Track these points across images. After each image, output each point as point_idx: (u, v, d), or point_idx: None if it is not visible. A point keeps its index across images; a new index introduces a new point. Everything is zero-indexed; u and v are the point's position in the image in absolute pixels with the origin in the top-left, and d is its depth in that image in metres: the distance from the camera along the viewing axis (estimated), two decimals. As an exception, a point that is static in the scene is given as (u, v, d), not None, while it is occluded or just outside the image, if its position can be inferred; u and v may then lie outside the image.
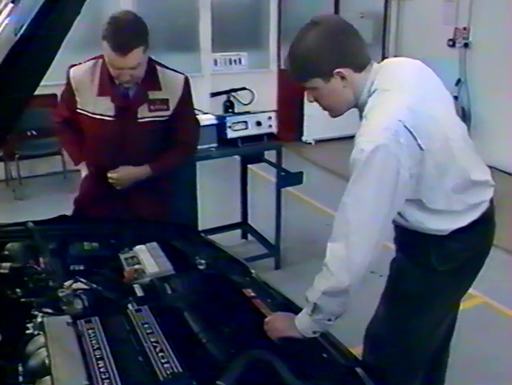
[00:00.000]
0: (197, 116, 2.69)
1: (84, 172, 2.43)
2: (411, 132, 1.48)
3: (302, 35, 1.58)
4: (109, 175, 2.30)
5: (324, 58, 1.54)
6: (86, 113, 2.27)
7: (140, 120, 2.26)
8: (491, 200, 1.77)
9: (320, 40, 1.54)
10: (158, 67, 2.29)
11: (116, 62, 2.10)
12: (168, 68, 2.33)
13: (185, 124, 2.37)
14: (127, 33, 2.07)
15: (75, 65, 2.29)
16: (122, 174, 2.30)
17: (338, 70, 1.55)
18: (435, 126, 1.57)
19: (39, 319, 1.48)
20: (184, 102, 2.33)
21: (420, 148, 1.51)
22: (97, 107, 2.24)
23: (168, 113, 2.29)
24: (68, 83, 2.28)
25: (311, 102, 1.67)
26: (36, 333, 1.44)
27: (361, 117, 1.64)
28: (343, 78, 1.56)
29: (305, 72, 1.58)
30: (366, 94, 1.60)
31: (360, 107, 1.63)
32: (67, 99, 2.32)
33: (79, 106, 2.27)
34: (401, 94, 1.57)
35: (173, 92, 2.29)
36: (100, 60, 2.22)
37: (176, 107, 2.29)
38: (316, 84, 1.59)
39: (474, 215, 1.71)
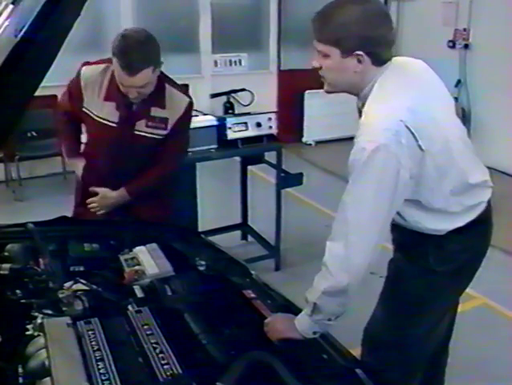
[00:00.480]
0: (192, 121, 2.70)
1: (78, 171, 2.45)
2: (412, 133, 1.48)
3: (347, 2, 1.54)
4: (89, 200, 2.34)
5: (355, 35, 1.51)
6: (90, 113, 2.28)
7: (136, 133, 2.27)
8: (489, 201, 1.77)
9: (362, 16, 1.51)
10: (167, 85, 2.28)
11: (124, 80, 2.10)
12: (177, 88, 2.32)
13: (175, 145, 2.36)
14: (136, 53, 2.05)
15: (88, 63, 2.30)
16: (100, 201, 2.34)
17: (359, 52, 1.53)
18: (435, 127, 1.57)
19: (39, 320, 1.48)
20: (182, 124, 2.32)
21: (421, 149, 1.51)
22: (102, 110, 2.25)
23: (164, 132, 2.29)
24: (78, 80, 2.28)
25: (314, 67, 1.61)
26: (36, 334, 1.44)
27: (360, 111, 1.63)
28: (359, 61, 1.54)
29: (332, 37, 1.53)
30: (369, 88, 1.59)
31: (362, 98, 1.62)
32: (74, 93, 2.32)
33: (84, 104, 2.28)
34: (404, 93, 1.56)
35: (175, 113, 2.28)
36: (112, 65, 2.20)
37: (172, 127, 2.29)
38: (332, 53, 1.55)
39: (472, 216, 1.71)
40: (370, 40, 1.53)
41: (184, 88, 2.40)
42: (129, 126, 2.26)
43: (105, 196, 2.34)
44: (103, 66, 2.25)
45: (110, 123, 2.26)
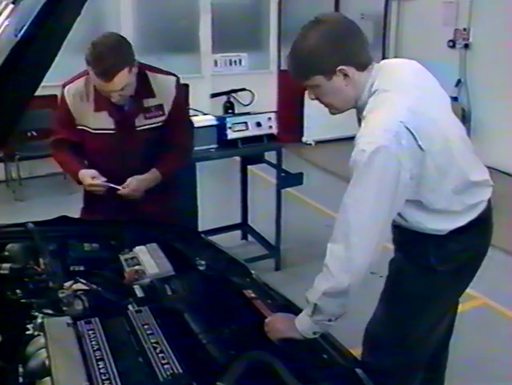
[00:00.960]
0: (193, 117, 2.70)
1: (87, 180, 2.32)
2: (412, 133, 1.48)
3: (305, 33, 1.57)
4: (120, 192, 2.26)
5: (327, 56, 1.54)
6: (86, 129, 2.27)
7: (138, 129, 2.26)
8: (489, 200, 1.77)
9: (323, 38, 1.54)
10: (149, 73, 2.28)
11: (103, 86, 2.10)
12: (158, 71, 2.32)
13: (180, 126, 2.37)
14: (108, 58, 2.04)
15: (67, 83, 2.27)
16: (134, 187, 2.27)
17: (341, 67, 1.54)
18: (435, 127, 1.57)
19: (39, 320, 1.48)
20: (178, 103, 2.33)
21: (421, 149, 1.51)
22: (96, 122, 2.24)
23: (163, 118, 2.30)
24: (63, 103, 2.26)
25: (313, 99, 1.66)
26: (36, 334, 1.44)
27: (359, 119, 1.64)
28: (345, 76, 1.56)
29: (307, 70, 1.58)
30: (366, 94, 1.60)
31: (360, 107, 1.63)
32: (64, 118, 2.29)
33: (77, 122, 2.27)
34: (402, 95, 1.57)
35: (167, 96, 2.29)
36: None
37: (170, 110, 2.30)
38: (318, 82, 1.58)
39: (473, 215, 1.71)
40: (343, 54, 1.55)
41: (164, 70, 2.36)
42: (128, 126, 2.26)
43: (137, 181, 2.27)
44: (82, 79, 2.24)
45: (108, 131, 2.25)
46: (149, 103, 2.26)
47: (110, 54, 2.05)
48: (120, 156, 2.28)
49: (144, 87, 2.24)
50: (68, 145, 2.34)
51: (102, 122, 2.24)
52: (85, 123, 2.26)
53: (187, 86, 5.92)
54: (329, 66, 1.55)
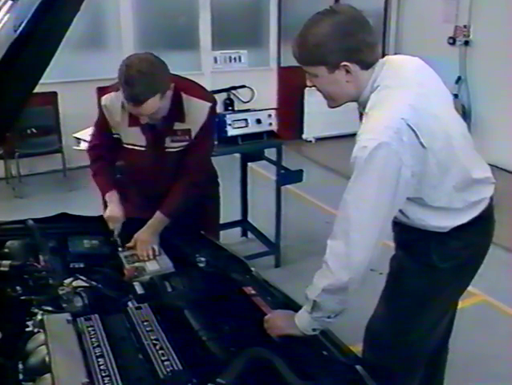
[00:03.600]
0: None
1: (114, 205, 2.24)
2: (413, 130, 1.48)
3: (317, 21, 1.54)
4: (139, 254, 2.08)
5: (335, 49, 1.51)
6: (121, 138, 2.25)
7: (167, 150, 2.22)
8: (491, 198, 1.77)
9: (335, 30, 1.51)
10: (184, 96, 2.16)
11: (131, 109, 2.05)
12: (194, 93, 2.19)
13: (199, 151, 2.27)
14: (139, 85, 1.94)
15: (104, 91, 2.24)
16: (140, 246, 2.10)
17: (345, 63, 1.53)
18: (437, 124, 1.57)
19: (39, 317, 1.49)
20: (205, 129, 2.22)
21: (423, 146, 1.50)
22: (128, 136, 2.22)
23: (189, 142, 2.23)
24: (101, 110, 2.25)
25: (310, 87, 1.64)
26: (36, 330, 1.44)
27: (361, 114, 1.63)
28: (348, 72, 1.55)
29: (312, 58, 1.55)
30: (368, 90, 1.58)
31: (362, 102, 1.62)
32: (103, 121, 2.26)
33: (113, 130, 2.25)
34: (404, 91, 1.56)
35: (197, 122, 2.19)
36: None
37: (196, 134, 2.21)
38: (320, 72, 1.56)
39: (475, 212, 1.71)
40: (351, 50, 1.52)
41: (202, 90, 2.27)
42: (158, 145, 2.22)
43: (141, 239, 2.13)
44: (116, 93, 2.15)
45: (139, 148, 2.23)
46: (178, 126, 2.19)
47: (141, 81, 1.94)
48: (150, 172, 2.25)
49: (176, 111, 2.16)
50: (105, 152, 2.31)
51: (133, 137, 2.22)
52: (120, 134, 2.24)
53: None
54: (334, 59, 1.52)
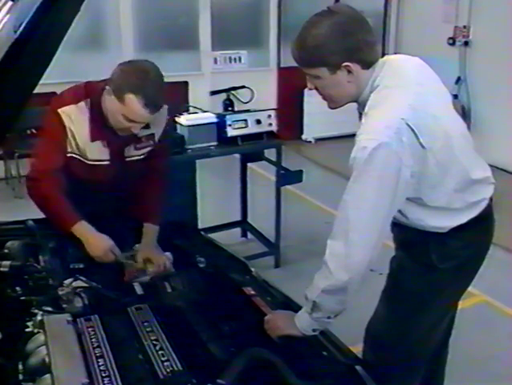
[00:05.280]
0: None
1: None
2: (413, 130, 1.48)
3: (316, 22, 1.53)
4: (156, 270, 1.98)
5: (335, 50, 1.51)
6: (80, 158, 2.03)
7: (127, 160, 2.11)
8: (491, 198, 1.77)
9: (334, 31, 1.51)
10: None
11: (139, 117, 1.90)
12: None
13: (165, 152, 2.25)
14: (160, 90, 1.88)
15: (59, 102, 2.01)
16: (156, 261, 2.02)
17: (346, 63, 1.53)
18: (436, 124, 1.57)
19: (39, 317, 1.49)
20: (166, 131, 2.19)
21: (422, 147, 1.50)
22: (91, 152, 2.03)
23: (152, 148, 2.15)
24: (60, 125, 1.98)
25: (311, 89, 1.64)
26: (36, 331, 1.44)
27: (360, 114, 1.63)
28: (349, 72, 1.54)
29: (313, 60, 1.55)
30: (368, 90, 1.58)
31: (361, 102, 1.62)
32: (60, 138, 2.00)
33: (69, 149, 2.01)
34: (403, 91, 1.56)
35: (160, 124, 2.13)
36: (88, 100, 1.98)
37: (160, 137, 2.16)
38: (321, 73, 1.56)
39: (474, 212, 1.70)
40: (351, 49, 1.52)
41: None
42: (121, 156, 2.09)
43: (151, 257, 2.03)
44: (78, 105, 1.99)
45: (103, 163, 2.06)
46: (142, 132, 2.05)
47: (160, 87, 1.88)
48: (113, 184, 2.11)
49: None
50: (61, 177, 2.01)
51: (96, 152, 2.03)
52: (80, 152, 2.02)
53: (186, 83, 5.94)
54: (335, 60, 1.52)
